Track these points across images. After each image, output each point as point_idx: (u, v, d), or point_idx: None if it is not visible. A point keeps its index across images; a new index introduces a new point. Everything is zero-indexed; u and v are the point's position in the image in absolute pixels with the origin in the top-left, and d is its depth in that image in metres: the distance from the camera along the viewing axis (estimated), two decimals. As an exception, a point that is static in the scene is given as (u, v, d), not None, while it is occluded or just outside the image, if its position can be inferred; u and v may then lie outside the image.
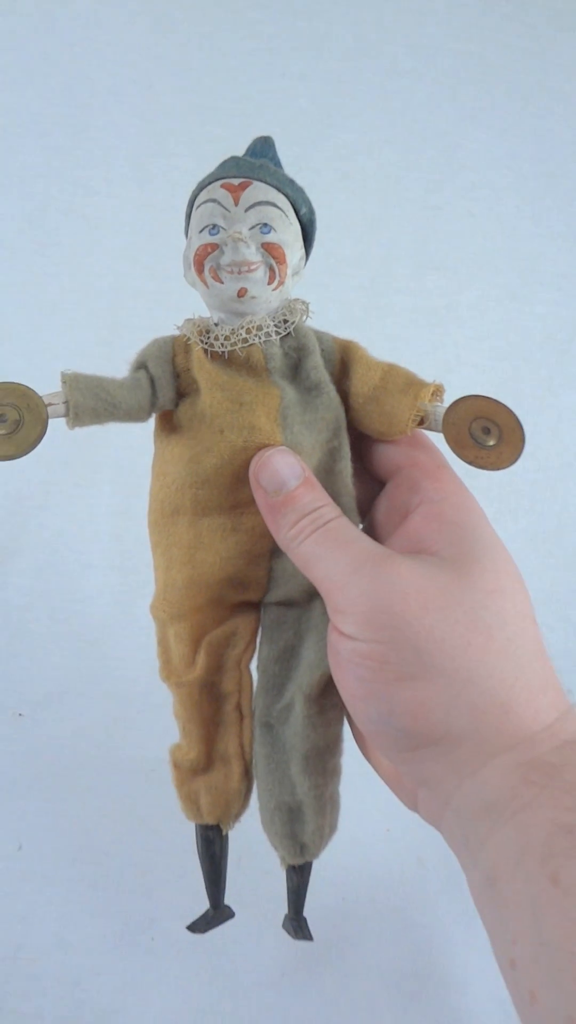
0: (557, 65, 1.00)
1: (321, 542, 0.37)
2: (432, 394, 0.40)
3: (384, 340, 0.99)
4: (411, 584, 0.35)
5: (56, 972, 0.55)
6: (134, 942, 0.58)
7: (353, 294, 1.01)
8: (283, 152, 1.00)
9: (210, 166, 1.03)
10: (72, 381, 0.38)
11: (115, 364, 1.07)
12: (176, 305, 1.04)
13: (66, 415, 0.38)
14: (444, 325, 1.04)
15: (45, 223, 1.03)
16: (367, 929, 0.56)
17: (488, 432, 0.38)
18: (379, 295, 1.03)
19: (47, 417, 0.38)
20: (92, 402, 0.39)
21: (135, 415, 0.40)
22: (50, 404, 0.38)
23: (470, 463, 0.38)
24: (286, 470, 0.38)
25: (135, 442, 1.00)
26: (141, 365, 0.41)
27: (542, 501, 1.02)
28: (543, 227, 1.03)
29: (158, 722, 0.84)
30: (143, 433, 0.99)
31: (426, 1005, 0.52)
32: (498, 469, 0.38)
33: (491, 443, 0.38)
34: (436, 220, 1.03)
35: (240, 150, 1.02)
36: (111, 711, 0.86)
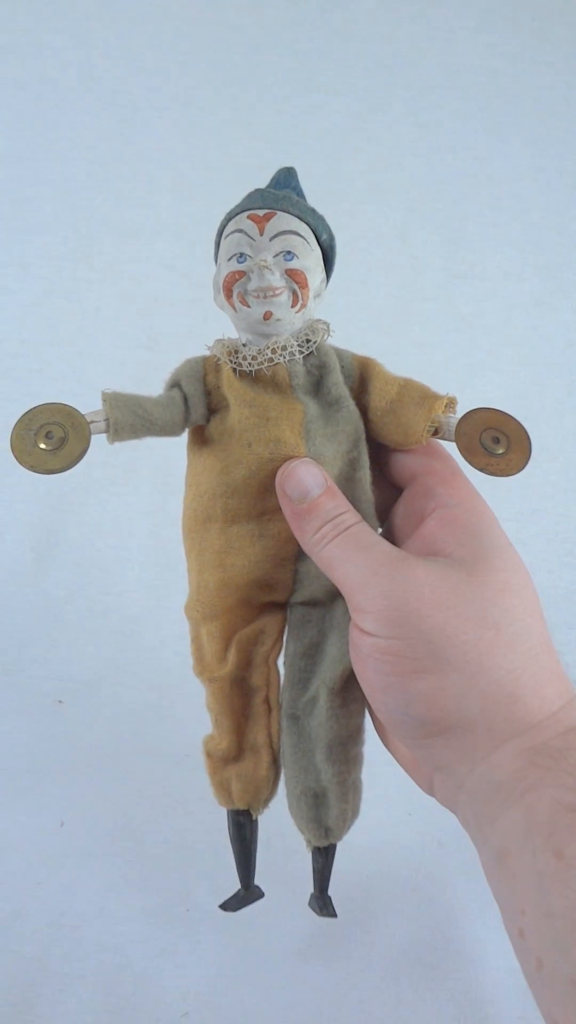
0: None
1: (342, 546, 0.39)
2: (445, 406, 0.42)
3: (412, 346, 1.03)
4: (425, 585, 0.37)
5: (97, 938, 0.58)
6: (170, 913, 0.61)
7: (383, 301, 1.03)
8: (316, 165, 1.04)
9: (246, 177, 1.05)
10: (112, 399, 0.41)
11: (154, 367, 1.11)
12: (212, 312, 1.07)
13: (106, 431, 0.41)
14: (470, 331, 1.05)
15: (89, 233, 1.07)
16: (389, 905, 0.59)
17: (498, 441, 0.41)
18: (408, 302, 1.04)
19: (90, 434, 0.40)
20: (130, 419, 0.41)
21: (170, 430, 0.43)
22: (92, 422, 0.40)
23: (481, 470, 0.40)
24: (309, 480, 0.41)
25: (171, 445, 1.03)
26: (175, 384, 0.43)
27: (563, 503, 1.03)
28: (566, 237, 1.04)
29: (190, 710, 0.88)
30: (178, 439, 1.03)
31: (443, 975, 0.55)
32: (507, 475, 0.40)
33: (500, 451, 0.41)
34: (463, 230, 1.05)
35: (276, 162, 1.05)
36: (145, 699, 0.90)
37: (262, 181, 1.07)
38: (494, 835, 0.36)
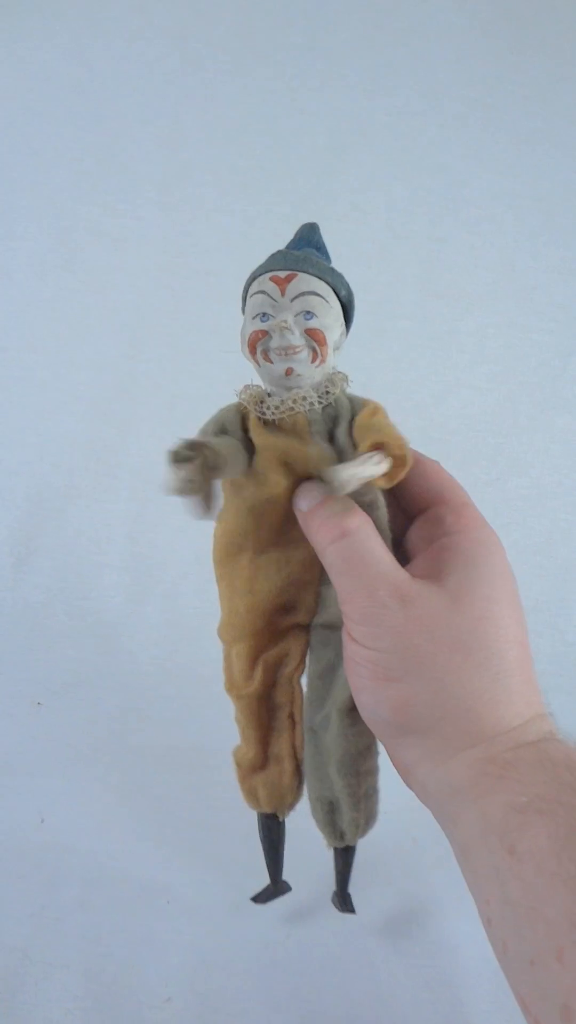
0: (556, 111, 1.04)
1: (344, 556, 0.42)
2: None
3: (389, 363, 1.05)
4: (410, 611, 0.41)
5: (79, 930, 0.59)
6: (151, 905, 0.61)
7: (361, 319, 1.02)
8: (298, 185, 1.06)
9: (229, 193, 1.08)
10: (210, 443, 0.42)
11: (134, 376, 1.13)
12: (193, 323, 1.08)
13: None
14: (446, 350, 1.07)
15: (72, 242, 1.08)
16: (365, 897, 0.60)
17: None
18: (385, 320, 1.06)
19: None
20: (228, 462, 0.43)
21: (239, 472, 0.44)
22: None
23: None
24: (313, 491, 0.44)
25: (150, 451, 1.05)
26: (223, 431, 0.45)
27: (533, 516, 1.05)
28: (540, 261, 1.07)
29: (166, 712, 0.89)
30: (158, 444, 1.04)
31: (418, 962, 0.57)
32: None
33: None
34: (440, 252, 1.07)
35: (259, 180, 1.08)
36: (122, 701, 0.91)
37: (243, 197, 1.10)
38: (457, 832, 0.39)
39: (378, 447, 0.41)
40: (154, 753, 0.81)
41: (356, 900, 0.56)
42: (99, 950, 0.58)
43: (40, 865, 0.65)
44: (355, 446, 0.44)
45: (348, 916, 0.57)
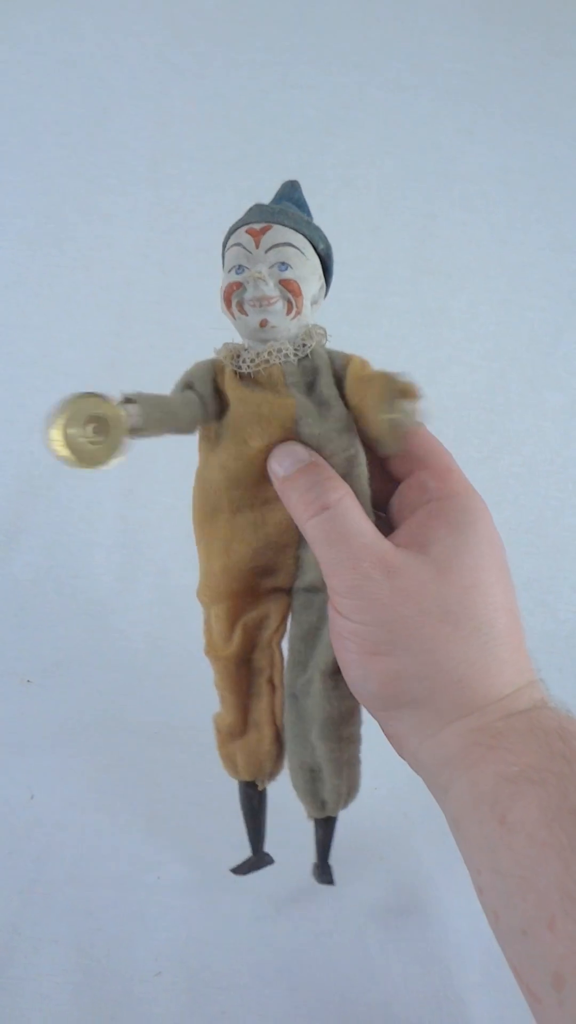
0: (549, 87, 1.03)
1: (324, 529, 0.41)
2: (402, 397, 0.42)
3: (381, 339, 1.05)
4: (395, 583, 0.40)
5: (68, 904, 0.58)
6: (140, 881, 0.61)
7: (352, 295, 1.04)
8: (289, 159, 1.05)
9: (219, 168, 1.07)
10: (139, 396, 0.42)
11: (124, 353, 1.12)
12: (182, 299, 1.08)
13: (139, 424, 0.41)
14: (437, 326, 1.06)
15: (62, 218, 1.07)
16: (356, 872, 0.61)
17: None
18: (377, 296, 1.06)
19: (128, 423, 0.40)
20: (158, 414, 0.42)
21: (188, 427, 0.44)
22: (128, 413, 0.41)
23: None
24: (289, 457, 0.43)
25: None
26: (188, 385, 0.44)
27: (524, 494, 1.05)
28: (532, 237, 1.06)
29: (157, 689, 0.89)
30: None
31: (408, 936, 0.57)
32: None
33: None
34: (432, 227, 1.06)
35: (249, 154, 1.07)
36: (113, 679, 0.91)
37: (234, 172, 1.09)
38: (448, 802, 0.40)
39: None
40: (144, 730, 0.81)
41: (347, 875, 0.56)
42: (89, 925, 0.57)
43: (30, 841, 0.65)
44: (346, 399, 0.44)
45: (339, 890, 0.57)
